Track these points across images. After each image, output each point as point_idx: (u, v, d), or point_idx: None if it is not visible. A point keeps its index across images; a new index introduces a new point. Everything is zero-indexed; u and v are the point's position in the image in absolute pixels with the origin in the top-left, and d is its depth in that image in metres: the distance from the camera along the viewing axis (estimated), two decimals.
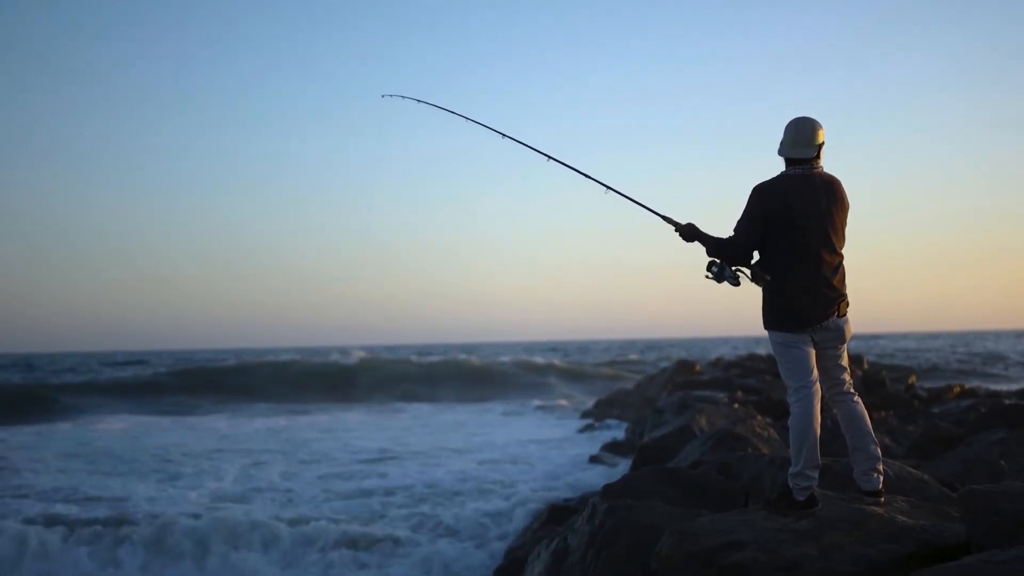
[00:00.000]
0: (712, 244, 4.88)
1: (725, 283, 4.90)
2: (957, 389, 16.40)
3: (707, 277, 4.92)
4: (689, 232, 4.96)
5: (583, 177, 5.58)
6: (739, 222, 4.82)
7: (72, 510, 10.75)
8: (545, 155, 5.88)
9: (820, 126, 4.81)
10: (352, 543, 9.32)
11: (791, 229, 4.72)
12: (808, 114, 4.86)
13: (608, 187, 5.44)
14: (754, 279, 4.88)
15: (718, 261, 4.88)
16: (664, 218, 5.07)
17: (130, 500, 11.52)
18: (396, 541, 9.36)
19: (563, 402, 29.06)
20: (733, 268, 4.87)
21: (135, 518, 9.97)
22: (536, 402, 30.01)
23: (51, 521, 9.89)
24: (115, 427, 23.02)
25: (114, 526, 9.61)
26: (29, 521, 9.91)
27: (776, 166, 4.95)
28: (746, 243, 4.80)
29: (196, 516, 9.73)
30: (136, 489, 12.38)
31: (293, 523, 9.77)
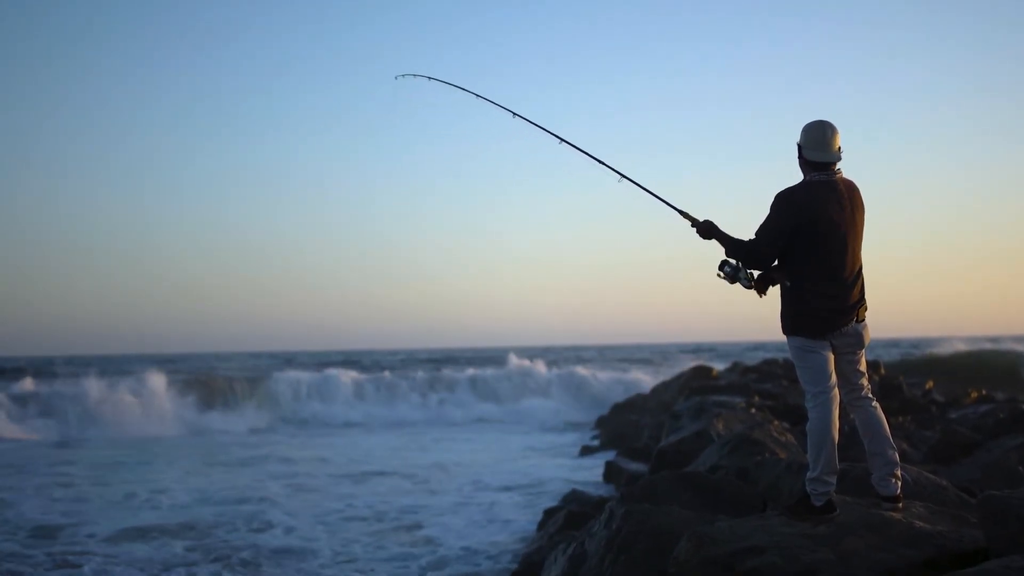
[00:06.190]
0: (732, 246, 4.84)
1: (738, 284, 4.87)
2: (975, 394, 16.29)
3: (719, 276, 4.88)
4: (707, 229, 4.92)
5: (596, 163, 5.44)
6: (763, 229, 4.77)
7: None
8: (557, 137, 5.75)
9: (837, 130, 4.80)
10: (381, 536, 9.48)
11: (815, 237, 4.69)
12: (825, 117, 4.86)
13: (622, 175, 5.35)
14: (772, 282, 4.86)
15: (733, 262, 4.85)
16: (681, 212, 5.02)
17: None
18: (419, 543, 9.46)
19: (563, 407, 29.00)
20: (749, 271, 4.86)
21: None
22: (552, 405, 29.97)
23: None
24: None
25: None
26: None
27: (786, 167, 4.94)
28: (770, 252, 4.76)
29: None
30: None
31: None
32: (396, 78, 6.91)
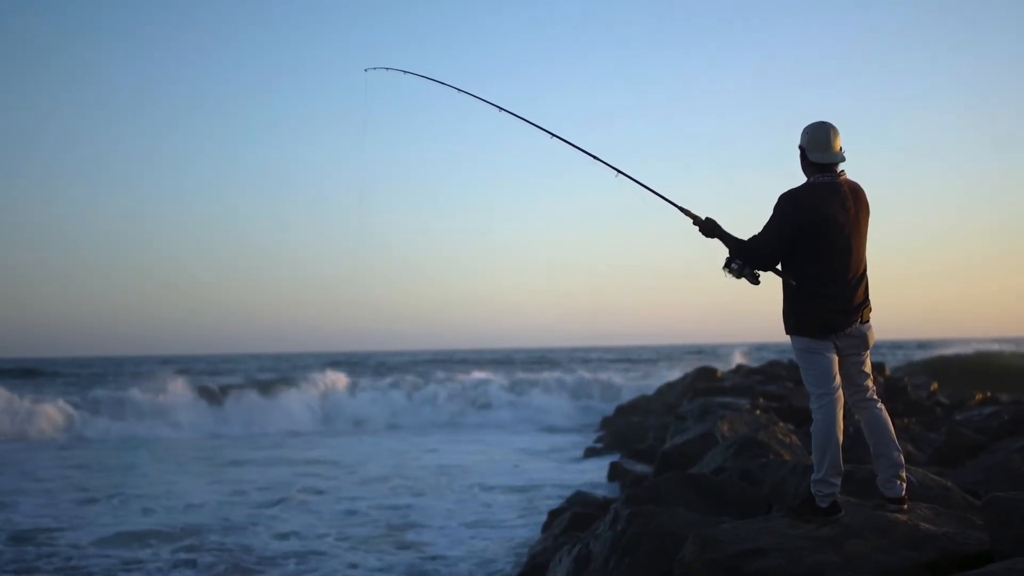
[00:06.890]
0: (735, 246, 4.85)
1: (744, 280, 4.87)
2: (979, 396, 16.24)
3: (725, 272, 4.88)
4: (709, 228, 4.91)
5: (592, 159, 5.36)
6: (766, 230, 4.78)
7: None
8: (548, 132, 5.63)
9: (837, 130, 4.78)
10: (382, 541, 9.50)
11: (819, 238, 4.69)
12: (826, 118, 4.84)
13: (618, 171, 5.30)
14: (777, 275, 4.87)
15: (739, 259, 4.87)
16: (682, 209, 5.00)
17: None
18: (423, 545, 9.51)
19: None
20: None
21: None
22: (555, 407, 29.94)
23: None
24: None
25: None
26: None
27: (787, 170, 4.94)
28: (773, 253, 4.77)
29: None
30: None
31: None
32: (366, 71, 6.62)
